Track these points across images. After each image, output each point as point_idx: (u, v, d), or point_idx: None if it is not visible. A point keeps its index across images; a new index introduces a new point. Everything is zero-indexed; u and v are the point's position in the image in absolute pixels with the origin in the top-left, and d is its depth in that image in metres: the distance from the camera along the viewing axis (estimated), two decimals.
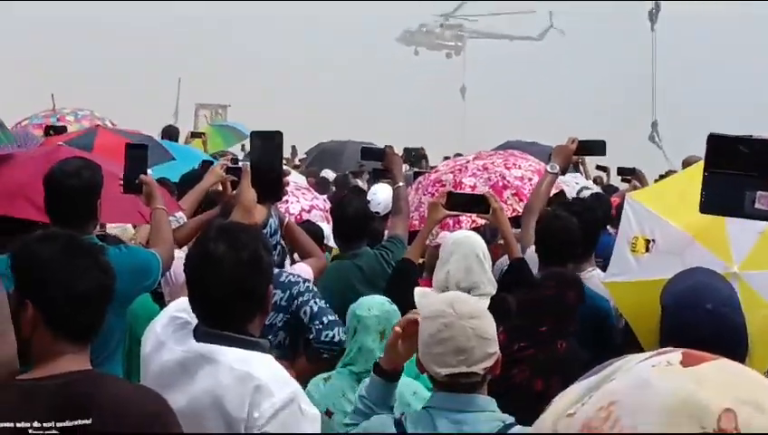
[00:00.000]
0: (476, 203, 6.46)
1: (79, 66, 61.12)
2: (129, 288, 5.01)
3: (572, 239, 6.27)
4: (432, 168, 11.98)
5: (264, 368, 3.34)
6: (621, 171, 11.69)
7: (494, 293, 5.78)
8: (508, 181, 8.43)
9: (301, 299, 5.38)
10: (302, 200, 9.32)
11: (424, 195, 8.53)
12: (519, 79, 71.58)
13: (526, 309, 5.39)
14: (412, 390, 4.94)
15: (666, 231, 5.09)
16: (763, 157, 3.17)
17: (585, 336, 5.78)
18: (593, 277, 6.36)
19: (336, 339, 5.33)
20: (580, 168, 12.85)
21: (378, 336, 5.07)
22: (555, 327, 5.32)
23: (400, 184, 7.20)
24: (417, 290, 5.69)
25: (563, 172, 7.42)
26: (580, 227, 6.33)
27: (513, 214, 7.98)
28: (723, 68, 67.89)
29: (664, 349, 1.43)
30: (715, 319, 3.49)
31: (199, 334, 3.41)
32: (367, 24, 73.11)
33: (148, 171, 5.70)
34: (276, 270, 5.28)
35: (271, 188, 4.18)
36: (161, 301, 6.43)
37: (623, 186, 11.76)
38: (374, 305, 5.13)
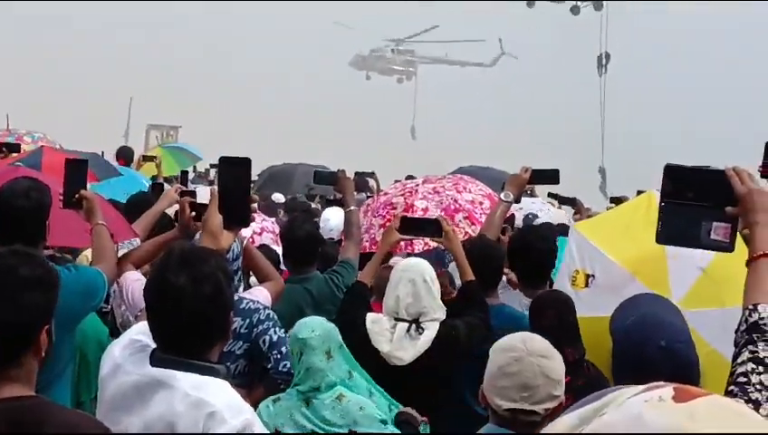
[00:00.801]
0: (429, 227, 6.43)
1: (30, 85, 60.72)
2: (78, 308, 4.97)
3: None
4: (380, 192, 12.01)
5: (219, 394, 3.30)
6: (561, 200, 11.76)
7: (443, 318, 5.79)
8: (460, 205, 8.44)
9: (261, 327, 5.33)
10: (252, 223, 9.26)
11: (374, 217, 8.52)
12: (471, 104, 72.04)
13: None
14: (359, 405, 4.99)
15: (606, 266, 5.08)
16: (719, 187, 3.19)
17: None
18: None
19: (293, 370, 5.31)
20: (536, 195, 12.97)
21: (324, 356, 5.09)
22: (576, 350, 5.24)
23: (352, 208, 7.17)
24: (369, 316, 5.76)
25: (517, 201, 7.44)
26: (525, 256, 6.44)
27: (466, 237, 7.99)
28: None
29: (655, 383, 1.42)
30: (670, 356, 3.42)
31: (155, 359, 3.38)
32: (320, 48, 73.30)
33: (90, 186, 5.65)
34: (237, 297, 5.27)
35: (238, 214, 4.16)
36: (105, 317, 6.39)
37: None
38: (316, 326, 5.14)
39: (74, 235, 5.96)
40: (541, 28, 61.94)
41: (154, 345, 3.43)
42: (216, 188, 4.20)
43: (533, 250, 6.43)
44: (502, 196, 7.15)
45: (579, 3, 54.01)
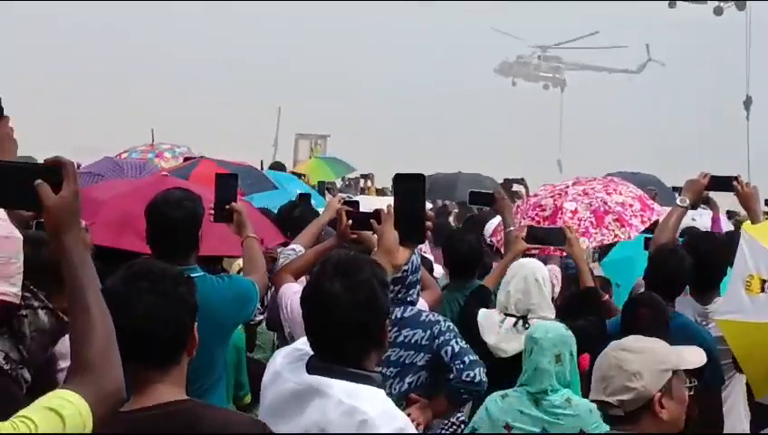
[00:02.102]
0: (554, 235, 6.75)
1: (176, 97, 62.21)
2: (231, 315, 5.06)
3: (681, 276, 6.29)
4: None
5: (373, 402, 3.30)
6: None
7: (552, 317, 6.00)
8: (609, 207, 8.34)
9: (442, 338, 5.34)
10: None
11: (523, 219, 8.47)
12: (617, 111, 71.16)
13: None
14: (588, 408, 5.07)
15: None
16: None
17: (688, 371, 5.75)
18: (717, 309, 6.28)
19: (477, 379, 5.30)
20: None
21: (553, 358, 5.22)
22: None
23: (511, 229, 7.27)
24: (481, 311, 6.14)
25: (694, 207, 7.33)
26: (698, 263, 6.31)
27: (615, 239, 7.95)
28: None
29: None
30: None
31: (311, 366, 3.41)
32: (466, 54, 73.33)
33: (245, 199, 5.72)
34: (417, 309, 5.42)
35: (414, 231, 4.16)
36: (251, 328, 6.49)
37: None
38: (551, 329, 5.30)
39: (225, 244, 6.06)
40: (684, 31, 60.78)
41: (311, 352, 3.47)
42: (391, 204, 4.20)
43: (707, 256, 6.37)
44: (678, 201, 7.02)
45: (722, 3, 53.08)
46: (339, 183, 22.39)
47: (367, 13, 75.12)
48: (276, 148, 36.70)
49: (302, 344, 3.57)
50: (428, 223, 4.25)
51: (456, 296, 6.84)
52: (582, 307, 6.21)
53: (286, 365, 3.54)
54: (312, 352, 3.48)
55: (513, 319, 6.04)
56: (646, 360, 3.68)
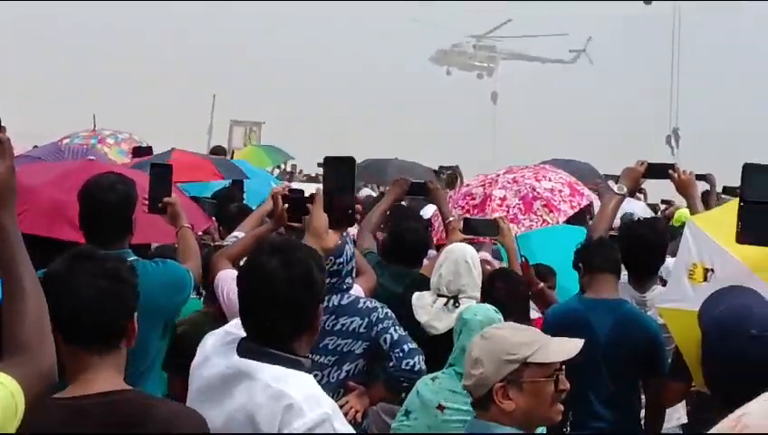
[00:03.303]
0: (488, 226, 7.01)
1: (113, 83, 61.64)
2: (164, 300, 5.04)
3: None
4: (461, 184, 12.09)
5: (300, 387, 3.32)
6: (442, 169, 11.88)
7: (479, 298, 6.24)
8: (538, 193, 8.44)
9: (380, 326, 5.34)
10: None
11: (454, 208, 8.53)
12: (550, 100, 71.66)
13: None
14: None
15: (725, 261, 4.97)
16: None
17: (636, 359, 5.88)
18: (656, 296, 6.33)
19: (417, 367, 5.31)
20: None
21: None
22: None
23: (451, 219, 7.33)
24: (415, 293, 6.34)
25: (631, 194, 7.40)
26: (636, 250, 6.46)
27: (543, 225, 8.04)
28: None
29: None
30: (761, 345, 3.39)
31: (242, 349, 3.41)
32: (401, 43, 73.36)
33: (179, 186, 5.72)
34: (354, 296, 5.41)
35: (344, 215, 4.14)
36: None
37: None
38: (480, 311, 5.38)
39: (159, 232, 6.05)
40: (613, 22, 61.46)
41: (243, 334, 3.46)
42: (320, 187, 4.19)
43: (644, 242, 6.46)
44: (615, 188, 7.08)
45: None
46: (276, 171, 22.41)
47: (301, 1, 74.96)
48: (211, 135, 36.44)
49: (233, 328, 3.57)
50: (358, 206, 4.26)
51: (403, 279, 6.87)
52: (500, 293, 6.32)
53: (217, 348, 3.54)
54: (242, 336, 3.48)
55: (444, 299, 6.21)
56: (489, 348, 3.63)
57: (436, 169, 16.87)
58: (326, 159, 4.16)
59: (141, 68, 65.56)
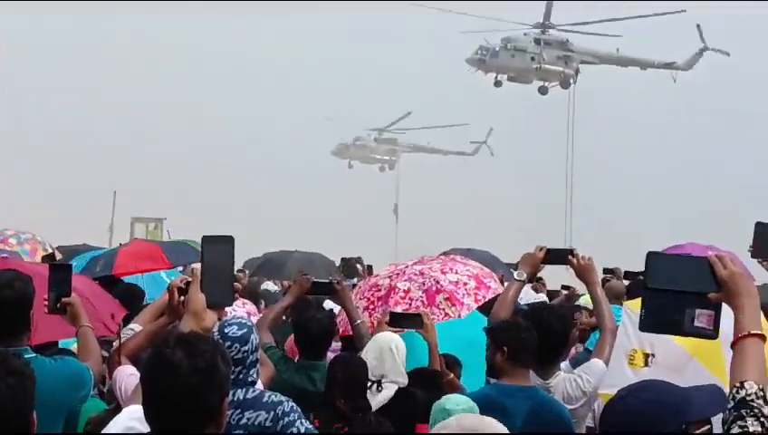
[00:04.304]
0: (413, 320, 7.33)
1: (13, 183, 60.81)
2: (64, 397, 5.03)
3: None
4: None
5: None
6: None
7: (405, 384, 6.58)
8: (441, 286, 8.47)
9: (287, 419, 5.31)
10: (238, 308, 9.30)
11: (360, 299, 8.57)
12: (452, 191, 72.48)
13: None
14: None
15: (665, 346, 5.04)
16: (702, 274, 3.24)
17: None
18: (559, 382, 6.37)
19: None
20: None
21: None
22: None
23: (358, 321, 7.47)
24: None
25: (530, 280, 7.47)
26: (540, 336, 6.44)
27: (445, 318, 8.06)
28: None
29: None
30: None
31: None
32: (303, 137, 73.83)
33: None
34: (259, 390, 5.40)
35: (221, 293, 4.12)
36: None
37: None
38: (462, 402, 5.59)
39: (63, 329, 6.00)
40: (511, 110, 62.67)
41: (147, 431, 3.41)
42: (198, 267, 4.18)
43: (551, 330, 6.42)
44: (515, 275, 7.12)
45: (546, 83, 55.23)
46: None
47: (206, 95, 75.12)
48: (112, 232, 36.11)
49: (132, 421, 3.54)
50: (237, 284, 4.26)
51: (309, 373, 6.94)
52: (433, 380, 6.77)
53: None
54: (144, 430, 3.44)
55: (369, 382, 6.44)
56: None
57: (341, 259, 16.96)
58: (204, 238, 4.15)
59: (40, 167, 64.90)
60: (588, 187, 57.77)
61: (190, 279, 5.32)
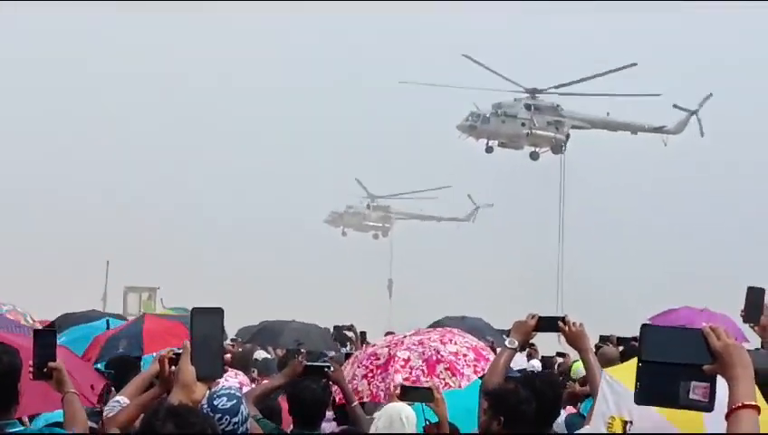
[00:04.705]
0: (423, 394, 7.20)
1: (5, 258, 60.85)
2: None
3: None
4: (367, 344, 12.10)
5: None
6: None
7: None
8: (442, 356, 8.47)
9: None
10: (230, 379, 9.26)
11: (358, 367, 8.55)
12: (446, 256, 72.63)
13: None
14: None
15: (643, 412, 5.03)
16: (696, 346, 3.24)
17: None
18: None
19: None
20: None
21: None
22: None
23: (354, 404, 7.56)
24: None
25: (522, 348, 7.48)
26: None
27: (446, 388, 8.03)
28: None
29: None
30: None
31: None
32: (296, 206, 74.10)
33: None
34: None
35: (211, 365, 4.15)
36: None
37: None
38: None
39: (45, 401, 5.96)
40: (503, 176, 63.05)
41: None
42: (187, 341, 4.17)
43: (544, 398, 6.44)
44: (507, 342, 7.11)
45: (537, 149, 55.52)
46: None
47: (197, 165, 75.50)
48: (105, 302, 36.07)
49: None
50: (227, 356, 4.25)
51: None
52: None
53: None
54: None
55: None
56: None
57: (333, 328, 16.96)
58: (193, 310, 4.16)
59: (32, 238, 64.97)
60: (579, 251, 57.94)
61: (180, 351, 5.30)
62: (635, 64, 50.35)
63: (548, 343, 15.40)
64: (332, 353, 15.26)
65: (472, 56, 51.41)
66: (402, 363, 8.28)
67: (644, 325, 3.30)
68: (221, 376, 4.48)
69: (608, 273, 65.55)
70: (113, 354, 10.26)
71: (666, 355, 3.26)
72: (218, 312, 4.11)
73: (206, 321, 4.10)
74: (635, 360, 6.67)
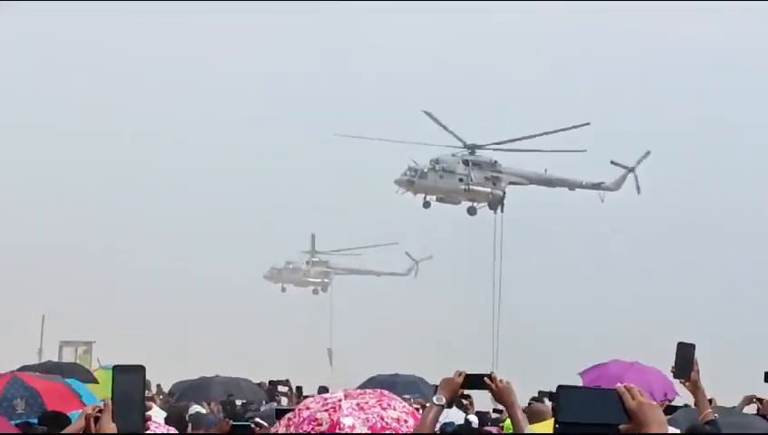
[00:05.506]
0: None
1: None
2: None
3: None
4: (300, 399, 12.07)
5: None
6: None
7: None
8: (386, 422, 8.45)
9: None
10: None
11: (297, 431, 8.54)
12: (383, 311, 72.57)
13: None
14: None
15: None
16: (611, 406, 3.32)
17: None
18: None
19: None
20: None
21: None
22: None
23: None
24: None
25: (450, 405, 7.51)
26: None
27: None
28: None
29: None
30: None
31: None
32: (235, 262, 73.65)
33: None
34: None
35: (133, 421, 4.20)
36: None
37: None
38: None
39: None
40: (441, 231, 63.23)
41: None
42: (108, 399, 4.26)
43: None
44: (434, 399, 7.19)
45: (475, 204, 55.74)
46: None
47: (135, 217, 74.98)
48: (41, 356, 35.57)
49: None
50: (148, 413, 4.33)
51: None
52: None
53: None
54: None
55: None
56: None
57: (269, 382, 16.94)
58: (115, 367, 4.26)
59: None
60: (516, 306, 58.16)
61: (103, 407, 5.33)
62: (588, 124, 50.81)
63: (485, 396, 15.51)
64: (265, 407, 15.34)
65: (431, 113, 51.74)
66: (348, 430, 8.31)
67: (560, 386, 3.35)
68: (142, 432, 4.55)
69: (545, 327, 65.88)
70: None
71: (582, 416, 3.32)
72: (140, 369, 4.23)
73: (127, 379, 4.21)
74: (550, 420, 6.80)
